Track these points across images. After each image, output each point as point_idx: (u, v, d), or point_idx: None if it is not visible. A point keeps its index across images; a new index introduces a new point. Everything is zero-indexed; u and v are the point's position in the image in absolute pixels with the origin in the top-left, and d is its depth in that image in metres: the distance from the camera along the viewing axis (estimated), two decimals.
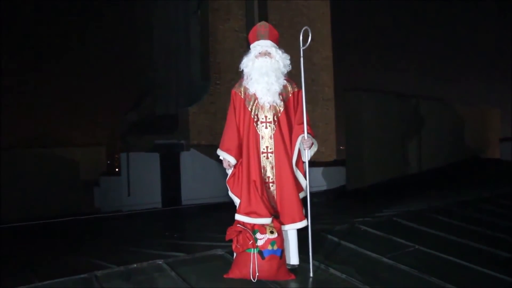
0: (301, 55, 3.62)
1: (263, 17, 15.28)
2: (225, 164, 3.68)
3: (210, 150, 13.25)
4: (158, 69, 16.64)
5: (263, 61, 3.64)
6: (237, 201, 3.62)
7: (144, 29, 17.26)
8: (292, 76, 3.81)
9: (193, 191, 13.34)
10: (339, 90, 18.00)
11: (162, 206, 13.91)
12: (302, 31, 3.61)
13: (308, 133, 3.58)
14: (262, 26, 3.75)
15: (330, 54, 18.12)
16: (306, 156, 3.61)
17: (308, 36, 3.58)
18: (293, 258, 3.68)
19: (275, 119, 3.64)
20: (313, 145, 3.62)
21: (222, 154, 3.67)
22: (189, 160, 13.93)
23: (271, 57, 3.66)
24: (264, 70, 3.61)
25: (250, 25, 14.52)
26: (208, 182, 13.05)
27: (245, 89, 3.70)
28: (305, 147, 3.58)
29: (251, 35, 3.80)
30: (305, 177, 3.69)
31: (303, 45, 3.61)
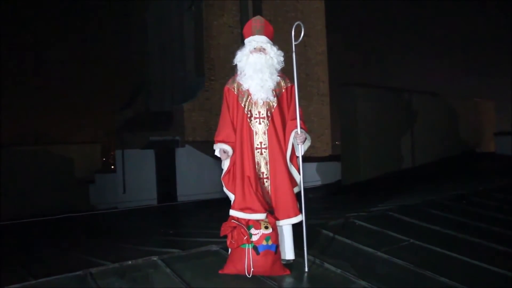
0: (293, 50, 3.60)
1: (257, 12, 15.21)
2: (222, 156, 3.64)
3: (205, 147, 13.24)
4: (152, 65, 16.59)
5: (258, 57, 3.62)
6: (232, 197, 3.61)
7: (138, 25, 17.19)
8: (285, 71, 3.80)
9: (188, 187, 13.33)
10: (334, 85, 18.00)
11: (158, 203, 13.91)
12: (294, 26, 3.60)
13: (301, 128, 3.57)
14: (257, 21, 3.73)
15: (325, 49, 18.08)
16: (300, 151, 3.61)
17: (301, 31, 3.57)
18: (288, 253, 3.68)
19: (269, 114, 3.64)
20: (307, 140, 3.61)
21: (218, 146, 3.62)
22: (184, 157, 13.91)
23: (265, 53, 3.65)
24: (258, 66, 3.60)
25: (244, 20, 14.47)
26: (203, 178, 13.05)
27: (239, 85, 3.69)
28: (298, 142, 3.57)
29: (246, 29, 3.78)
30: (299, 172, 3.69)
31: (295, 40, 3.60)
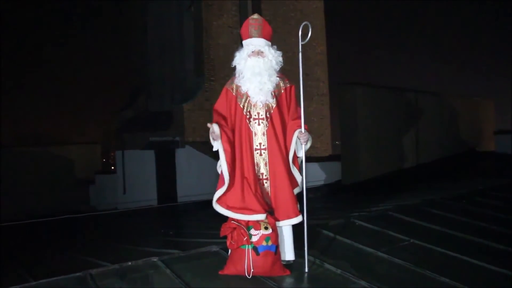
0: (300, 50, 3.58)
1: (256, 12, 15.21)
2: (212, 135, 3.57)
3: (205, 147, 13.21)
4: (152, 65, 16.55)
5: (256, 60, 3.60)
6: (224, 212, 3.60)
7: (138, 25, 17.17)
8: (287, 71, 3.78)
9: (188, 187, 13.31)
10: (333, 85, 17.97)
11: (158, 203, 13.89)
12: (302, 26, 3.55)
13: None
14: (255, 21, 3.70)
15: (325, 49, 18.07)
16: (302, 151, 3.61)
17: (308, 31, 3.54)
18: (289, 253, 3.68)
19: (268, 115, 3.63)
20: (308, 140, 3.61)
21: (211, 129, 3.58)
22: (184, 157, 13.90)
23: (263, 56, 3.63)
24: (257, 70, 3.58)
25: (243, 21, 14.40)
26: (203, 179, 13.02)
27: (237, 86, 3.69)
28: (302, 141, 3.56)
29: (243, 29, 3.75)
30: (300, 172, 3.68)
31: (302, 40, 3.58)
